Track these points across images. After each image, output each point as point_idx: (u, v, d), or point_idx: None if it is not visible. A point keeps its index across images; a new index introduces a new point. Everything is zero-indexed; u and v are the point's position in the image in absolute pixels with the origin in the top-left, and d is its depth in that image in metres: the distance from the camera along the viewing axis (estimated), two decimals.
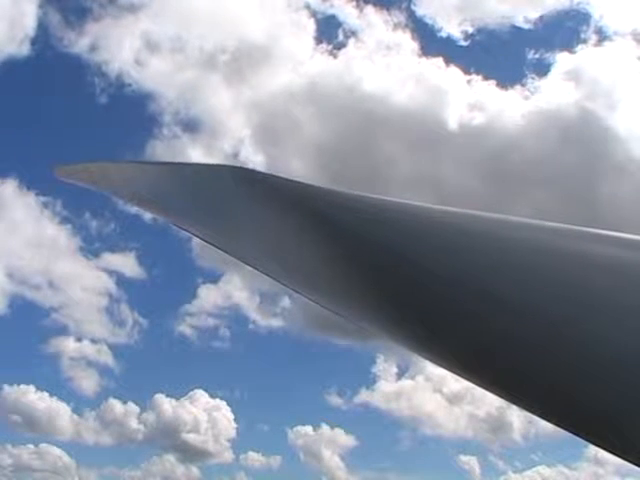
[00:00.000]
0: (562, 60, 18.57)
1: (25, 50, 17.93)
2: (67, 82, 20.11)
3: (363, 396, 18.31)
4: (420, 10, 18.59)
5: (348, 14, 18.78)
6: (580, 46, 19.02)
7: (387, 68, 19.25)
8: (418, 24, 18.63)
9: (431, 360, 0.86)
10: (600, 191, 16.12)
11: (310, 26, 18.82)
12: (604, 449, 0.71)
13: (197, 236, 1.45)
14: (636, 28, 17.86)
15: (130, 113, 21.26)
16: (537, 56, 18.72)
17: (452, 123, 17.79)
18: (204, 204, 1.43)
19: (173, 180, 1.62)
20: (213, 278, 19.50)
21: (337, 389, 18.62)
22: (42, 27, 18.01)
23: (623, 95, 18.52)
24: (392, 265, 0.90)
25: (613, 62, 18.44)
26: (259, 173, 1.36)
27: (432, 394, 18.01)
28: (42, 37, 18.17)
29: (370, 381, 19.81)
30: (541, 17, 18.22)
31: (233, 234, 1.31)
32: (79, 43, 18.30)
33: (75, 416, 17.95)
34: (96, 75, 18.79)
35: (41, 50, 18.69)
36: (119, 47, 18.88)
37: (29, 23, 17.84)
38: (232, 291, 19.02)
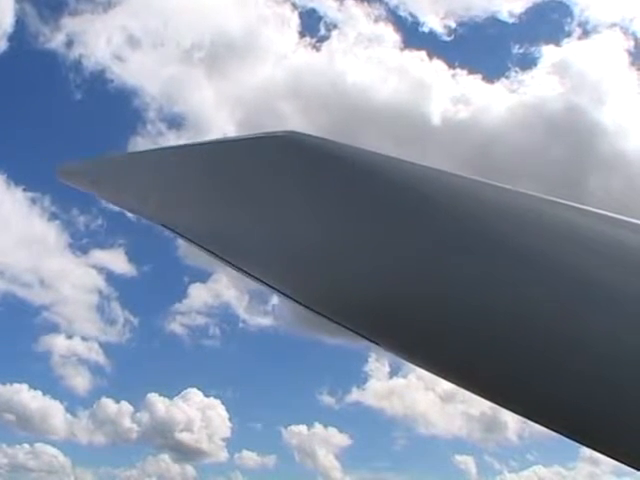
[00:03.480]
0: (548, 53, 18.60)
1: (3, 46, 17.79)
2: (48, 78, 19.93)
3: (356, 395, 18.30)
4: (402, 5, 18.59)
5: (328, 7, 18.77)
6: (566, 39, 19.08)
7: (370, 62, 19.25)
8: (399, 19, 18.64)
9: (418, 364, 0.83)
10: (587, 185, 16.21)
11: (294, 20, 18.79)
12: (597, 450, 0.69)
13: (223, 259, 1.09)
14: (623, 19, 17.95)
15: (113, 110, 21.10)
16: (522, 50, 18.76)
17: (437, 117, 17.80)
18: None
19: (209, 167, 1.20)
20: (201, 277, 19.40)
21: (329, 388, 18.60)
22: (21, 23, 17.88)
23: (610, 88, 18.61)
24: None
25: (600, 55, 18.53)
26: (315, 138, 1.05)
27: (425, 392, 18.04)
28: (21, 33, 18.03)
29: (362, 380, 19.79)
30: (526, 10, 18.27)
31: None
32: (59, 39, 18.15)
33: (69, 415, 17.80)
34: (75, 71, 18.66)
35: (21, 46, 18.55)
36: (99, 43, 18.71)
37: (7, 19, 17.68)
38: (221, 290, 18.96)
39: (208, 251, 1.09)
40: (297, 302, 0.93)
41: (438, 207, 0.87)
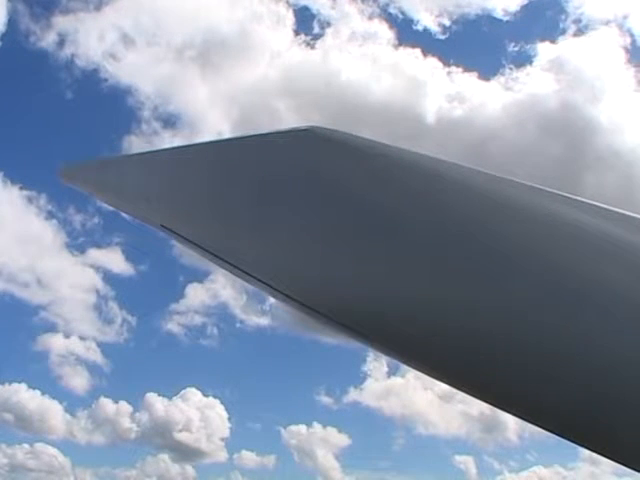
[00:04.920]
0: (543, 51, 18.63)
1: None
2: (42, 77, 19.98)
3: (354, 395, 18.28)
4: (395, 2, 18.57)
5: (321, 5, 18.77)
6: (562, 36, 19.11)
7: (364, 59, 19.25)
8: (393, 16, 18.63)
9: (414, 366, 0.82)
10: (584, 183, 16.21)
11: (289, 17, 18.79)
12: (595, 452, 0.68)
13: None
14: (618, 16, 17.96)
15: (108, 108, 21.07)
16: (517, 48, 18.79)
17: (432, 114, 17.79)
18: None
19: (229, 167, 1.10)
20: (198, 276, 19.36)
21: (328, 388, 18.58)
22: (13, 22, 17.85)
23: (606, 85, 18.63)
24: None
25: (596, 52, 18.54)
26: (340, 133, 1.00)
27: (423, 392, 18.00)
28: (14, 32, 18.01)
29: (361, 380, 19.79)
30: (520, 8, 18.28)
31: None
32: (52, 38, 18.12)
33: (67, 415, 17.80)
34: (70, 69, 18.62)
35: (13, 45, 18.53)
36: (92, 41, 18.68)
37: (0, 18, 17.63)
38: (218, 289, 18.93)
39: (215, 256, 1.03)
40: (312, 309, 0.88)
41: (461, 203, 0.85)
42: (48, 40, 18.14)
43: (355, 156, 0.97)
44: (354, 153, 0.97)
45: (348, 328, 0.85)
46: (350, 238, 0.90)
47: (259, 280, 0.96)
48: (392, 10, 18.56)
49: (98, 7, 18.60)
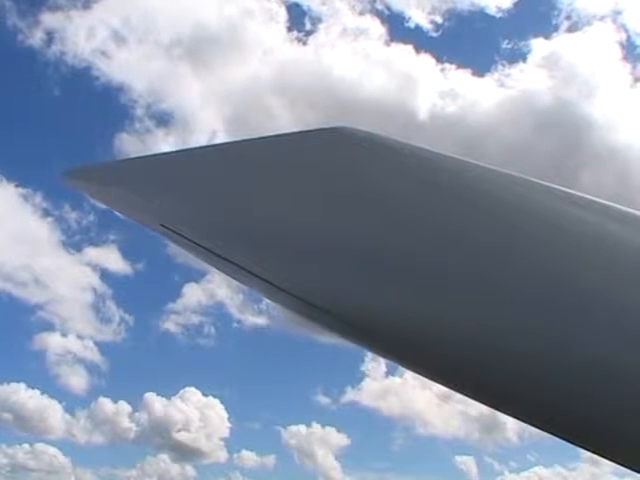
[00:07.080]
0: (537, 47, 18.62)
1: None
2: (33, 75, 19.94)
3: (353, 395, 18.27)
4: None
5: (312, 0, 18.74)
6: (556, 33, 19.11)
7: (356, 55, 19.21)
8: (384, 13, 18.62)
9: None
10: (578, 179, 16.21)
11: (281, 14, 18.75)
12: (595, 453, 0.68)
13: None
14: (612, 12, 17.96)
15: (99, 106, 21.00)
16: (510, 45, 18.80)
17: (424, 111, 17.76)
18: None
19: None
20: (194, 276, 19.31)
21: (326, 387, 18.59)
22: (0, 19, 17.79)
23: (601, 81, 18.62)
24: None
25: (591, 48, 18.54)
26: (367, 133, 1.01)
27: (422, 391, 17.97)
28: (1, 29, 17.94)
29: (358, 379, 19.78)
30: (513, 4, 18.28)
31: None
32: (41, 36, 18.06)
33: (67, 415, 17.87)
34: (58, 67, 18.55)
35: (1, 42, 18.46)
36: (82, 39, 18.59)
37: None
38: (214, 289, 18.88)
39: (223, 258, 0.99)
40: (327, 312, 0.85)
41: (474, 205, 0.86)
42: (36, 38, 18.07)
43: (388, 156, 0.97)
44: (387, 153, 0.97)
45: (350, 328, 0.84)
46: (377, 237, 0.89)
47: (271, 283, 0.93)
48: (382, 6, 18.56)
49: (87, 5, 18.53)
